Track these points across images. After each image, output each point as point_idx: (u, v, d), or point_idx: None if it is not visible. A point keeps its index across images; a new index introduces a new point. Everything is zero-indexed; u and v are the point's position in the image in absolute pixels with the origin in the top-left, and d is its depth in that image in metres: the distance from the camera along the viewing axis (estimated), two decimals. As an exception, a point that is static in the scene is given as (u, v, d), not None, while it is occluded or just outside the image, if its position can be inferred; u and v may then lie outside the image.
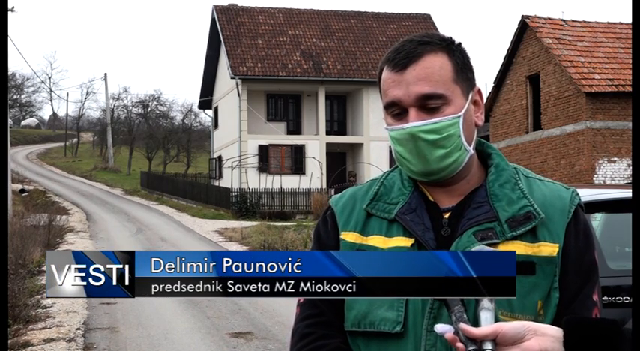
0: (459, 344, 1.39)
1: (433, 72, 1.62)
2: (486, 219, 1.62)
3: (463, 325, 1.39)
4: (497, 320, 1.43)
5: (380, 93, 1.70)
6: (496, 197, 1.65)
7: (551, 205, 1.64)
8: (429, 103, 1.62)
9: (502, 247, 1.59)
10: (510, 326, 1.40)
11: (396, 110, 1.65)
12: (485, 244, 1.59)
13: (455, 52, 1.67)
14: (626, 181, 21.38)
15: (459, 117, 1.63)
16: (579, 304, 1.60)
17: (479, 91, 1.71)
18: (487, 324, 1.39)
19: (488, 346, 1.38)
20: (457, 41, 1.71)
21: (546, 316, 1.59)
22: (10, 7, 28.87)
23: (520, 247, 1.59)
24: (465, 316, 1.41)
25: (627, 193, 4.71)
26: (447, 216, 1.66)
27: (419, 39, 1.66)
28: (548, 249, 1.60)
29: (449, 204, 1.68)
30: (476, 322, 1.41)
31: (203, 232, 25.41)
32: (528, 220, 1.61)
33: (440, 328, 1.42)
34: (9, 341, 8.72)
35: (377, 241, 1.66)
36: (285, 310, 10.78)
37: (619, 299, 4.25)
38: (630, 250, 4.49)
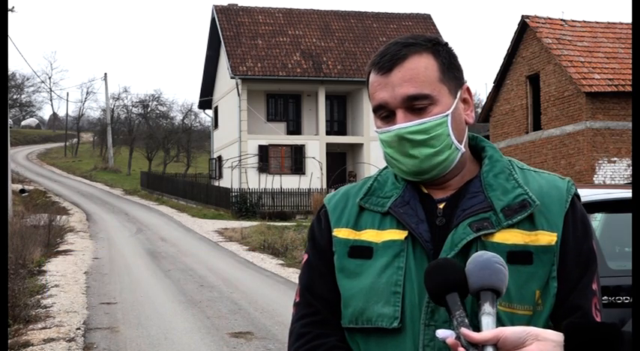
0: (461, 349, 1.39)
1: (418, 73, 1.62)
2: (481, 209, 1.61)
3: (464, 330, 1.39)
4: (498, 319, 1.43)
5: (369, 96, 1.70)
6: (491, 187, 1.64)
7: (548, 194, 1.64)
8: (416, 104, 1.62)
9: (499, 236, 1.58)
10: (511, 331, 1.40)
11: (384, 113, 1.65)
12: (482, 235, 1.58)
13: (440, 51, 1.67)
14: (626, 181, 21.38)
15: (446, 116, 1.63)
16: (579, 294, 1.59)
17: (467, 89, 1.71)
18: (488, 329, 1.39)
19: None
20: (444, 41, 1.71)
21: (545, 306, 1.58)
22: (10, 7, 28.87)
23: (517, 236, 1.59)
24: (466, 321, 1.41)
25: (627, 193, 4.72)
26: (441, 206, 1.66)
27: (403, 41, 1.67)
28: (547, 238, 1.60)
29: (443, 195, 1.68)
30: (477, 327, 1.41)
31: (203, 232, 25.40)
32: (524, 208, 1.60)
33: (441, 333, 1.42)
34: (9, 341, 8.72)
35: (370, 235, 1.66)
36: (285, 310, 10.79)
37: (619, 299, 4.25)
38: (630, 250, 4.49)
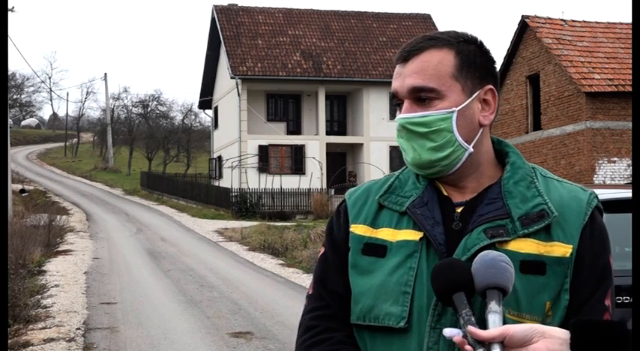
0: (468, 347, 1.39)
1: (429, 66, 1.62)
2: (498, 216, 1.60)
3: (471, 328, 1.39)
4: (504, 322, 1.43)
5: None
6: (510, 194, 1.63)
7: (567, 205, 1.62)
8: (421, 96, 1.63)
9: (513, 245, 1.57)
10: (518, 329, 1.40)
11: (397, 101, 1.68)
12: (496, 242, 1.57)
13: (464, 49, 1.65)
14: (626, 181, 21.38)
15: (451, 112, 1.62)
16: (590, 309, 1.57)
17: (492, 91, 1.68)
18: (495, 327, 1.40)
19: (496, 348, 1.38)
20: (478, 40, 1.69)
21: (554, 318, 1.57)
22: (10, 7, 28.88)
23: (532, 246, 1.57)
24: (472, 319, 1.41)
25: (627, 193, 4.71)
26: (459, 210, 1.65)
27: (430, 35, 1.68)
28: (561, 250, 1.58)
29: (462, 199, 1.67)
30: (484, 325, 1.41)
31: (203, 232, 25.40)
32: (541, 218, 1.59)
33: (448, 331, 1.42)
34: (9, 341, 8.72)
35: (386, 233, 1.66)
36: (285, 310, 10.80)
37: (619, 299, 4.25)
38: (630, 250, 4.49)
